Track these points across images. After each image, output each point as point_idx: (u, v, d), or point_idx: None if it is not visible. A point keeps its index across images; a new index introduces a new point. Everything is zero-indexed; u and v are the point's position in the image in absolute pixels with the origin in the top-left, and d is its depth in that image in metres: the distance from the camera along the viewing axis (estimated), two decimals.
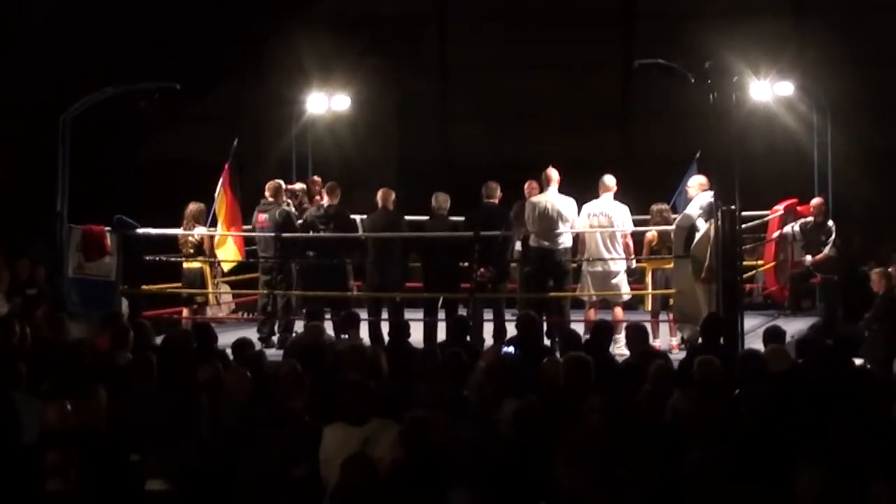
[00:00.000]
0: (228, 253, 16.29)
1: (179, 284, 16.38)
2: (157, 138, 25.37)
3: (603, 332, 11.95)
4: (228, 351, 11.48)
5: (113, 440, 8.13)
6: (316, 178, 17.88)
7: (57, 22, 20.12)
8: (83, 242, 15.26)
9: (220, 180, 16.38)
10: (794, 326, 16.31)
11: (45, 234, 15.73)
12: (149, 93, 15.40)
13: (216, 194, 16.34)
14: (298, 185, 17.82)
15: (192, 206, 16.11)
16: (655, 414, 8.71)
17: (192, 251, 16.11)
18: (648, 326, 13.26)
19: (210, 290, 16.40)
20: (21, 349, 11.33)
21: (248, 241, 16.52)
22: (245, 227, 16.46)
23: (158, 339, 12.46)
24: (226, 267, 16.58)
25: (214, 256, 16.36)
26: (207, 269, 16.23)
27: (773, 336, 11.59)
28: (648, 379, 9.58)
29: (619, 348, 14.16)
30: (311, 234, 15.77)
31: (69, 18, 20.24)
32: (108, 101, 15.64)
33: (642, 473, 6.97)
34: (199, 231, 16.02)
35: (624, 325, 14.54)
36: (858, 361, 12.28)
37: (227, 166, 16.57)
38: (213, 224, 16.38)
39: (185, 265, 16.21)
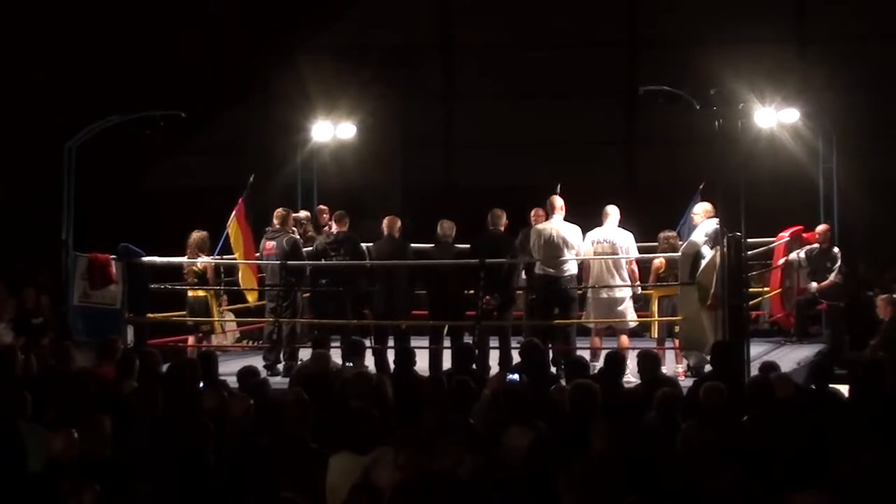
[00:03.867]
0: (253, 286, 16.40)
1: (184, 313, 16.38)
2: (163, 166, 25.42)
3: (616, 363, 11.89)
4: (233, 379, 11.48)
5: (118, 468, 8.11)
6: (322, 206, 17.90)
7: (61, 49, 20.16)
8: (88, 271, 15.23)
9: (233, 213, 16.43)
10: (800, 353, 16.29)
11: (50, 262, 15.71)
12: (154, 121, 15.37)
13: (228, 226, 16.38)
14: (303, 214, 17.85)
15: (196, 235, 16.10)
16: (662, 441, 8.67)
17: (195, 280, 16.09)
18: None
19: (215, 318, 16.40)
20: (26, 378, 11.32)
21: (258, 269, 16.56)
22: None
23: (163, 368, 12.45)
24: (251, 298, 16.60)
25: (218, 285, 16.38)
26: (212, 298, 16.22)
27: (768, 370, 11.64)
28: (654, 406, 9.55)
29: (626, 376, 14.15)
30: (322, 261, 15.80)
31: (74, 46, 20.28)
32: (113, 130, 15.64)
33: (649, 500, 6.94)
34: (204, 260, 16.01)
35: (628, 352, 14.54)
36: None
37: (241, 200, 16.64)
38: (221, 253, 16.43)
39: (189, 294, 16.19)
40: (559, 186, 15.66)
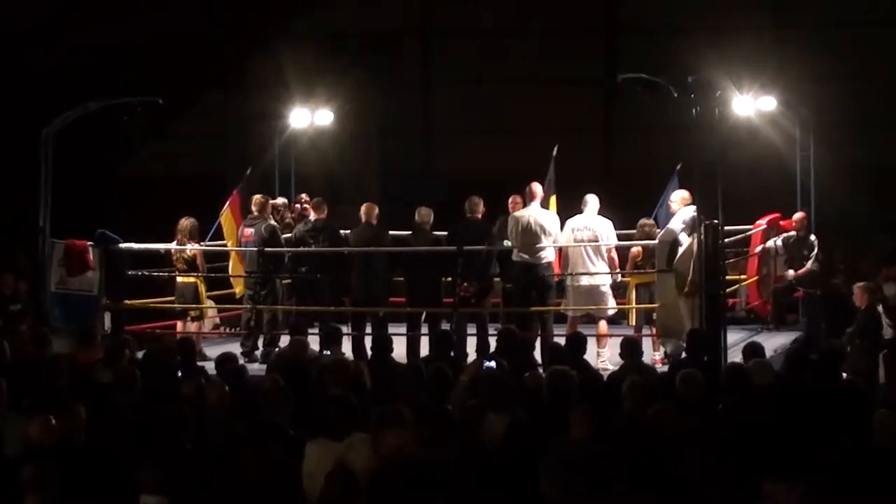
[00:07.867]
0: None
1: (162, 299, 16.34)
2: (140, 153, 25.33)
3: (577, 343, 11.94)
4: (211, 365, 11.46)
5: (95, 455, 8.10)
6: (303, 195, 17.88)
7: (39, 35, 20.08)
8: (65, 257, 15.18)
9: (227, 204, 16.45)
10: (776, 341, 16.32)
11: (27, 248, 15.65)
12: (131, 108, 15.31)
13: (220, 215, 16.39)
14: (280, 200, 17.83)
15: (185, 222, 15.96)
16: (637, 428, 8.69)
17: (185, 267, 16.01)
18: None
19: (201, 304, 16.27)
20: (2, 365, 11.29)
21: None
22: None
23: (140, 354, 12.43)
24: (239, 289, 16.53)
25: (206, 272, 16.30)
26: (201, 284, 16.14)
27: (753, 352, 11.63)
28: (625, 396, 9.55)
29: (603, 363, 14.18)
30: (300, 248, 15.79)
31: (51, 32, 20.21)
32: (90, 116, 15.57)
33: (627, 487, 6.96)
34: (194, 247, 15.92)
35: (607, 339, 14.58)
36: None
37: (236, 192, 16.65)
38: (211, 240, 16.44)
39: (178, 280, 16.10)
40: (556, 148, 15.91)
